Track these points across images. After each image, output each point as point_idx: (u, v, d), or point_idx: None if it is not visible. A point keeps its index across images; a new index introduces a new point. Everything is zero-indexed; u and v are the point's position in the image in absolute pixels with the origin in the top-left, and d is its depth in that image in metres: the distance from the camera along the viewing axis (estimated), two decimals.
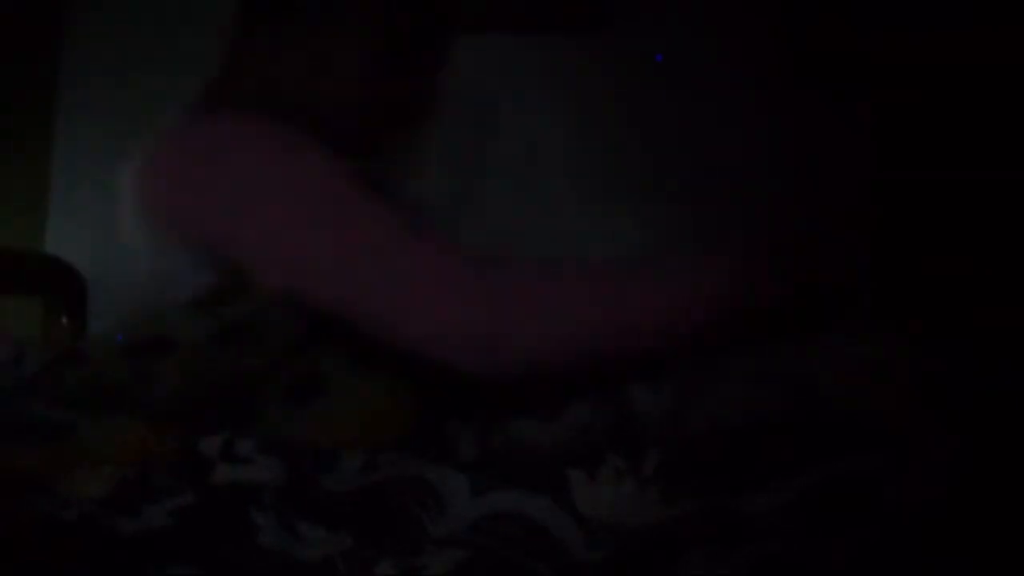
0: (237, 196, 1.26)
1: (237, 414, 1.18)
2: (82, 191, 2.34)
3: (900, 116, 1.30)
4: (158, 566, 0.98)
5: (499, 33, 2.22)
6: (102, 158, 2.39)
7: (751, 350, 1.16)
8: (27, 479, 1.06)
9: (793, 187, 1.34)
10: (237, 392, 1.20)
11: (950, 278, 1.25)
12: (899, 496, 0.98)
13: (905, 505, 0.98)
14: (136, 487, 1.05)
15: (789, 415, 1.09)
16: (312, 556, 0.98)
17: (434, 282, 1.19)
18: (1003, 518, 0.98)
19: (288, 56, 1.34)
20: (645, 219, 1.55)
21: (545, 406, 1.19)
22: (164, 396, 1.19)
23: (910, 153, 1.28)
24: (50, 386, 1.23)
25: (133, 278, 2.34)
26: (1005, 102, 1.27)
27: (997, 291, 1.23)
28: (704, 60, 1.47)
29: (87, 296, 2.19)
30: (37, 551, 0.98)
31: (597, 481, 1.02)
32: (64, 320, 2.14)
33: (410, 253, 1.20)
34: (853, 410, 1.09)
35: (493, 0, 2.23)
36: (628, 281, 1.19)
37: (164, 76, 2.33)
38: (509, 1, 2.22)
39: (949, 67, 1.29)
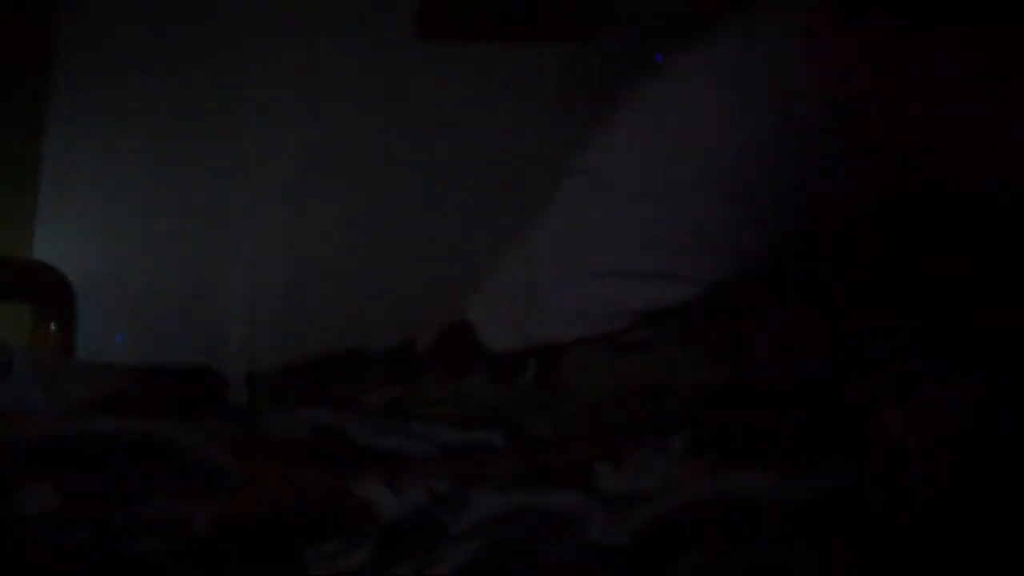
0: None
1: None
2: (71, 198, 2.33)
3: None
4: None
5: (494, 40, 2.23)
6: (92, 165, 2.39)
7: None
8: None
9: None
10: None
11: (950, 278, 1.24)
12: (898, 498, 0.98)
13: (905, 507, 0.97)
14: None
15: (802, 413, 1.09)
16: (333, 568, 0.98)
17: None
18: (1003, 519, 0.97)
19: None
20: None
21: None
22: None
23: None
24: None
25: (122, 285, 2.34)
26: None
27: (997, 291, 1.22)
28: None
29: (76, 303, 2.18)
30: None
31: (623, 469, 1.03)
32: (53, 327, 2.13)
33: None
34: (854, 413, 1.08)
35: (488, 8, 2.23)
36: None
37: (155, 85, 2.33)
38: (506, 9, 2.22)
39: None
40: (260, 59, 2.30)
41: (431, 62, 2.26)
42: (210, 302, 2.29)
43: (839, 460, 1.01)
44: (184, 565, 0.97)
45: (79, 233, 2.32)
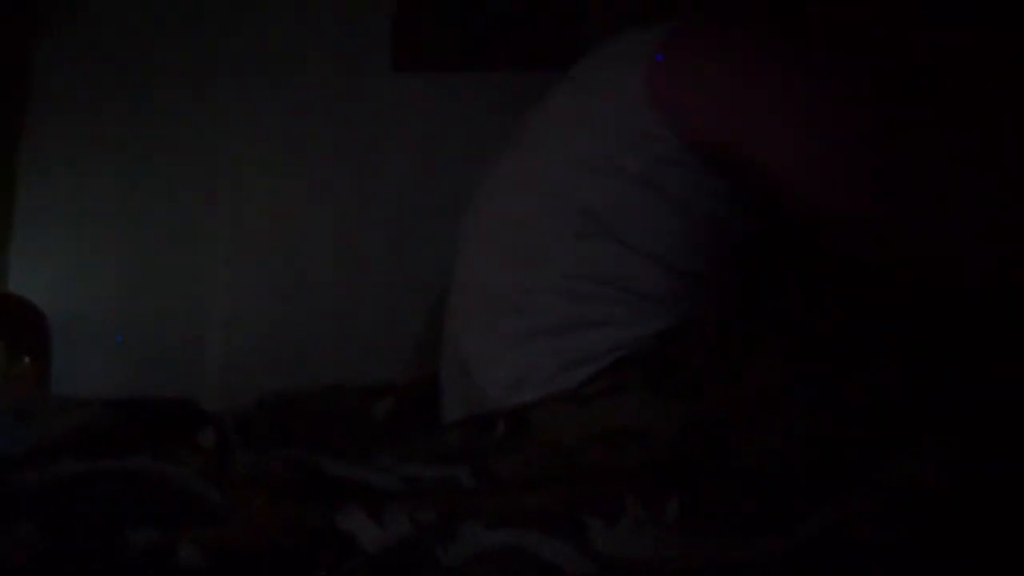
0: (755, 97, 1.28)
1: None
2: (46, 230, 2.31)
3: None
4: None
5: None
6: (66, 198, 2.38)
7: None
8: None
9: None
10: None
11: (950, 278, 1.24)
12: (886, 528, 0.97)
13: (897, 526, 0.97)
14: None
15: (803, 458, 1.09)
16: None
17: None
18: (1002, 519, 0.96)
19: None
20: None
21: None
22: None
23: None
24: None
25: (97, 319, 2.32)
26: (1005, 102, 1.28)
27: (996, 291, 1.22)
28: None
29: (50, 336, 2.17)
30: None
31: (616, 528, 1.01)
32: (27, 360, 2.11)
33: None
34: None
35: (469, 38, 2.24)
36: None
37: (130, 118, 2.33)
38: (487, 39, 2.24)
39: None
40: (236, 93, 2.30)
41: (406, 94, 2.27)
42: (187, 335, 2.27)
43: (826, 506, 1.00)
44: None
45: (54, 266, 2.30)
